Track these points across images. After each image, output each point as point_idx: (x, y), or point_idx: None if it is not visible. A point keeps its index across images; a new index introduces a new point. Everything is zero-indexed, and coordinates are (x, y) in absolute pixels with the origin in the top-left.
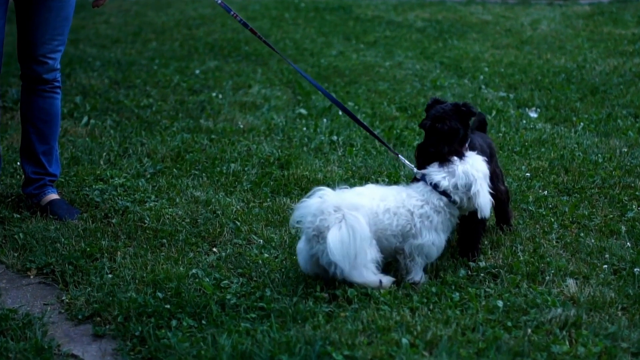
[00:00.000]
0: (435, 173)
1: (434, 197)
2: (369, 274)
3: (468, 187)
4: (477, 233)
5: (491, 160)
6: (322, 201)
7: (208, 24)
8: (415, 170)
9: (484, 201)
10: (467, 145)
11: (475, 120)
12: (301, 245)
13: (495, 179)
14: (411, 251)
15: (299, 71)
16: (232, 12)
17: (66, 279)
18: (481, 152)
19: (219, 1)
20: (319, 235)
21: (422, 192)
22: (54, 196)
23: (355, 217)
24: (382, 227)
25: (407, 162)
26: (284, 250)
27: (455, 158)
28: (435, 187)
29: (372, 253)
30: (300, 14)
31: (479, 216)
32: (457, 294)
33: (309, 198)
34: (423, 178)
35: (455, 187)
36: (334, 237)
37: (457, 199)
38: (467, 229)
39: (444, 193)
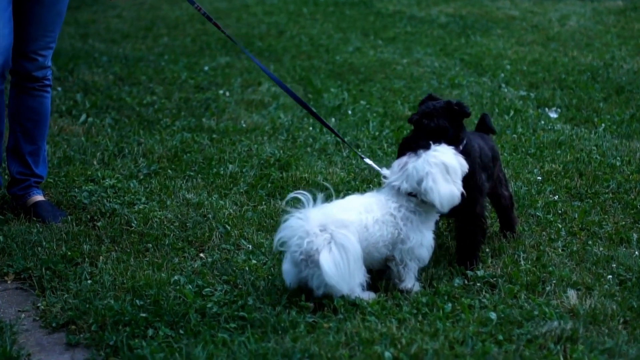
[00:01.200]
0: (391, 175)
1: (403, 200)
2: (361, 293)
3: (420, 182)
4: (476, 240)
5: (494, 164)
6: (307, 221)
7: (223, 19)
8: (382, 172)
9: (439, 197)
10: (461, 146)
11: (478, 121)
12: (287, 267)
13: (498, 184)
14: (402, 257)
15: (260, 66)
16: (195, 5)
17: (43, 285)
18: (482, 155)
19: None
20: (308, 259)
21: (394, 195)
22: (39, 198)
23: (345, 235)
24: (374, 240)
25: (373, 164)
26: (273, 257)
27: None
28: (398, 189)
29: (362, 271)
30: (318, 9)
31: (437, 211)
32: (450, 304)
33: (292, 218)
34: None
35: (413, 185)
36: (327, 261)
37: (425, 198)
38: (465, 236)
39: (411, 194)
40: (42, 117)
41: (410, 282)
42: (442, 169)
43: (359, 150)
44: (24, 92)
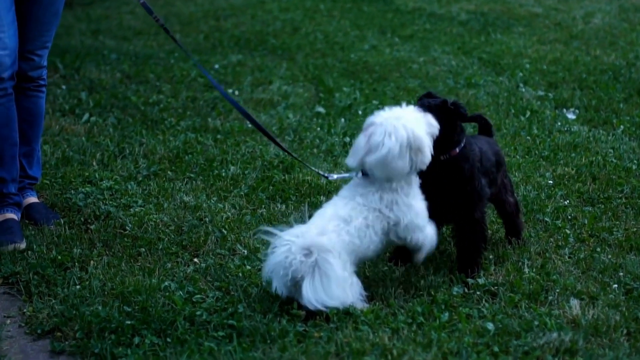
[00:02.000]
0: (347, 159)
1: (380, 182)
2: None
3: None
4: (476, 247)
5: (498, 170)
6: (289, 249)
7: (238, 15)
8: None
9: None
10: (458, 149)
11: (480, 124)
12: (277, 285)
13: (502, 189)
14: (405, 235)
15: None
16: (153, 15)
17: (31, 290)
18: (482, 160)
19: (141, 0)
20: (295, 284)
21: (365, 185)
22: (33, 199)
23: (328, 262)
24: (366, 245)
25: (319, 170)
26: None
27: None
28: (364, 174)
29: (355, 289)
30: (336, 5)
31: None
32: (447, 314)
33: (278, 245)
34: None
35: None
36: (308, 291)
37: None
38: (465, 243)
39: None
40: (36, 118)
41: (423, 254)
42: (403, 141)
43: None
44: (19, 92)
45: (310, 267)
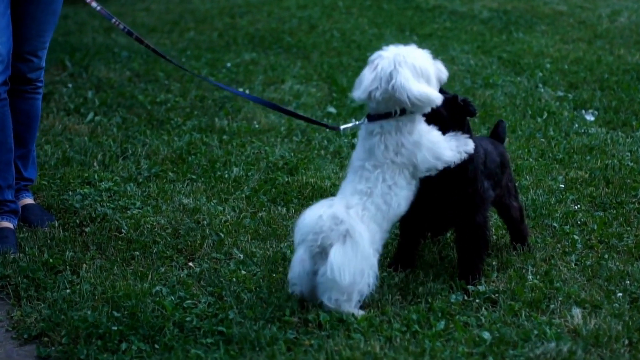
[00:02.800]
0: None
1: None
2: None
3: (388, 82)
4: (478, 252)
5: (503, 172)
6: (320, 216)
7: (254, 12)
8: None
9: (409, 93)
10: None
11: (493, 127)
12: (303, 257)
13: (507, 193)
14: (429, 168)
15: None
16: (113, 20)
17: (19, 294)
18: (487, 161)
19: (97, 7)
20: (323, 252)
21: (369, 136)
22: (29, 201)
23: (359, 232)
24: (397, 204)
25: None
26: (265, 267)
27: None
28: (369, 117)
29: (371, 276)
30: (355, 2)
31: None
32: (444, 322)
33: (308, 213)
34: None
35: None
36: (336, 254)
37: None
38: (465, 248)
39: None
40: (33, 120)
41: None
42: (411, 68)
43: None
44: (16, 95)
45: (341, 234)
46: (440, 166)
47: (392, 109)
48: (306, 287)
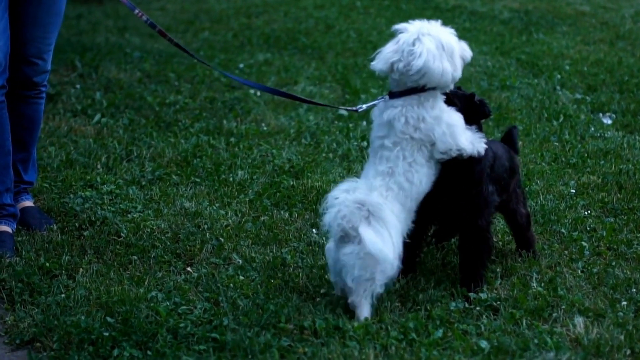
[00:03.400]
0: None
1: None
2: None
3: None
4: (480, 258)
5: (511, 178)
6: (341, 202)
7: (270, 12)
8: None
9: (425, 64)
10: None
11: (505, 133)
12: (331, 246)
13: (514, 199)
14: (446, 149)
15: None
16: (136, 11)
17: (14, 298)
18: (495, 165)
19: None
20: (346, 235)
21: (388, 108)
22: (28, 203)
23: (382, 208)
24: (419, 182)
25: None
26: (263, 273)
27: None
28: (391, 94)
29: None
30: (373, 3)
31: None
32: (441, 330)
33: (328, 206)
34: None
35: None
36: (367, 232)
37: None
38: (468, 254)
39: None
40: (36, 124)
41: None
42: (436, 41)
43: None
44: (20, 100)
45: (364, 216)
46: (455, 151)
47: (414, 84)
48: (337, 276)
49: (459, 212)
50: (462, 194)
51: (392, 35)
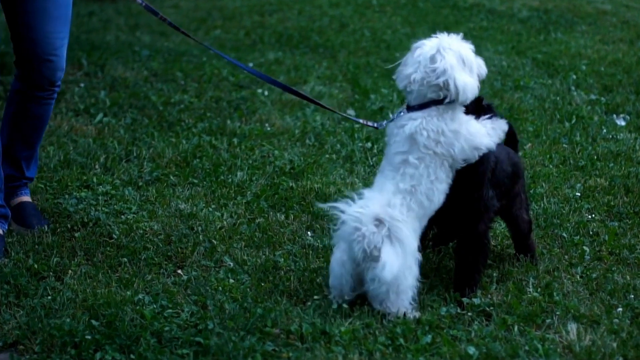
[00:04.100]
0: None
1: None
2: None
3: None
4: (476, 263)
5: (514, 182)
6: (358, 220)
7: (284, 10)
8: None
9: (456, 82)
10: None
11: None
12: (343, 259)
13: (517, 204)
14: (466, 159)
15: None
16: (159, 15)
17: (0, 300)
18: (497, 170)
19: (142, 3)
20: (367, 256)
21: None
22: (26, 198)
23: (401, 229)
24: (438, 199)
25: (367, 122)
26: (254, 276)
27: None
28: (409, 108)
29: (416, 273)
30: (389, 1)
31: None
32: (430, 336)
33: (346, 215)
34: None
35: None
36: (388, 255)
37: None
38: (463, 258)
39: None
40: (44, 123)
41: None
42: (457, 55)
43: None
44: (32, 100)
45: (384, 236)
46: (477, 156)
47: (434, 96)
48: (347, 288)
49: (458, 216)
50: (463, 198)
51: (407, 34)
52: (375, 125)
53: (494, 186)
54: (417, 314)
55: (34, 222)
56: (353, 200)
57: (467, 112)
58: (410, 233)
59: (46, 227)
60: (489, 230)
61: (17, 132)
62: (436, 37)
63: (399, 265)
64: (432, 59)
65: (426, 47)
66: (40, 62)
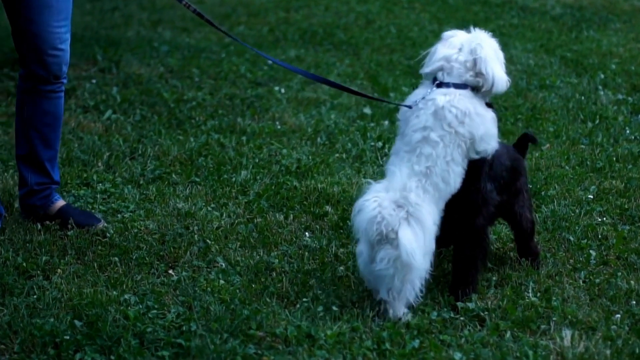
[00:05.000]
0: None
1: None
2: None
3: (473, 52)
4: (474, 262)
5: (515, 178)
6: (379, 203)
7: (310, 6)
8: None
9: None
10: None
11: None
12: (362, 248)
13: (520, 203)
14: (481, 148)
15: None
16: (183, 2)
17: None
18: (494, 163)
19: None
20: (384, 239)
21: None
22: (63, 202)
23: (421, 211)
24: (453, 182)
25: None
26: (245, 277)
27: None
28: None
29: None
30: None
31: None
32: (418, 340)
33: (364, 200)
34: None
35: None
36: (406, 235)
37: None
38: (460, 257)
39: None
40: (58, 120)
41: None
42: (493, 49)
43: None
44: (41, 96)
45: (403, 218)
46: (488, 154)
47: (470, 80)
48: (371, 279)
49: (456, 210)
50: (461, 191)
51: (434, 31)
52: (409, 104)
53: (492, 179)
54: (408, 317)
55: (92, 218)
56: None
57: None
58: (428, 215)
59: (38, 225)
60: (488, 226)
61: (35, 133)
62: (467, 31)
63: (417, 245)
64: (474, 47)
65: (462, 36)
66: (46, 56)
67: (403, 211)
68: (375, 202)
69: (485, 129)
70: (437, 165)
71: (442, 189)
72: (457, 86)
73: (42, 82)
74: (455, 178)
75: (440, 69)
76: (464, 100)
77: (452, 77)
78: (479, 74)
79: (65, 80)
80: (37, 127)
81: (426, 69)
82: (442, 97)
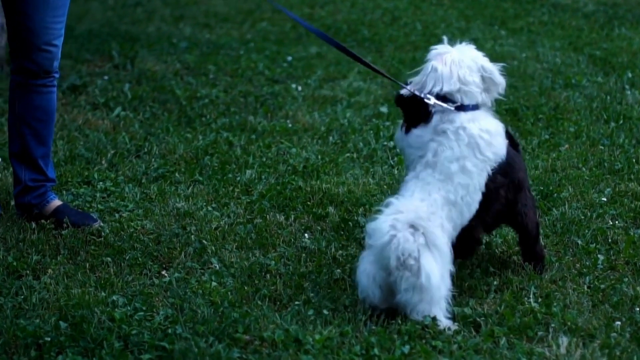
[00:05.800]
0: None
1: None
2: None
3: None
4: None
5: (515, 179)
6: (392, 226)
7: (336, 3)
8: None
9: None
10: None
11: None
12: (372, 270)
13: (523, 202)
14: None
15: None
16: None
17: None
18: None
19: None
20: (401, 265)
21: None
22: (59, 202)
23: (437, 236)
24: (474, 210)
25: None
26: (238, 279)
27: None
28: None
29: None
30: None
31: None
32: (408, 346)
33: (378, 221)
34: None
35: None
36: (428, 263)
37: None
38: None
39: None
40: (50, 116)
41: None
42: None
43: None
44: (32, 91)
45: (421, 244)
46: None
47: (483, 99)
48: (376, 300)
49: None
50: None
51: (460, 28)
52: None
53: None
54: (454, 327)
55: (87, 218)
56: (385, 207)
57: None
58: (446, 241)
59: (32, 224)
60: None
61: (27, 129)
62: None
63: (439, 274)
64: (481, 64)
65: (457, 52)
66: (39, 52)
67: (419, 235)
68: (391, 224)
69: (499, 144)
70: (467, 195)
71: (466, 217)
72: (475, 107)
73: (32, 77)
74: (475, 205)
75: (457, 91)
76: (488, 124)
77: (469, 98)
78: (488, 88)
79: (57, 75)
80: (29, 123)
81: (445, 88)
82: (472, 124)
